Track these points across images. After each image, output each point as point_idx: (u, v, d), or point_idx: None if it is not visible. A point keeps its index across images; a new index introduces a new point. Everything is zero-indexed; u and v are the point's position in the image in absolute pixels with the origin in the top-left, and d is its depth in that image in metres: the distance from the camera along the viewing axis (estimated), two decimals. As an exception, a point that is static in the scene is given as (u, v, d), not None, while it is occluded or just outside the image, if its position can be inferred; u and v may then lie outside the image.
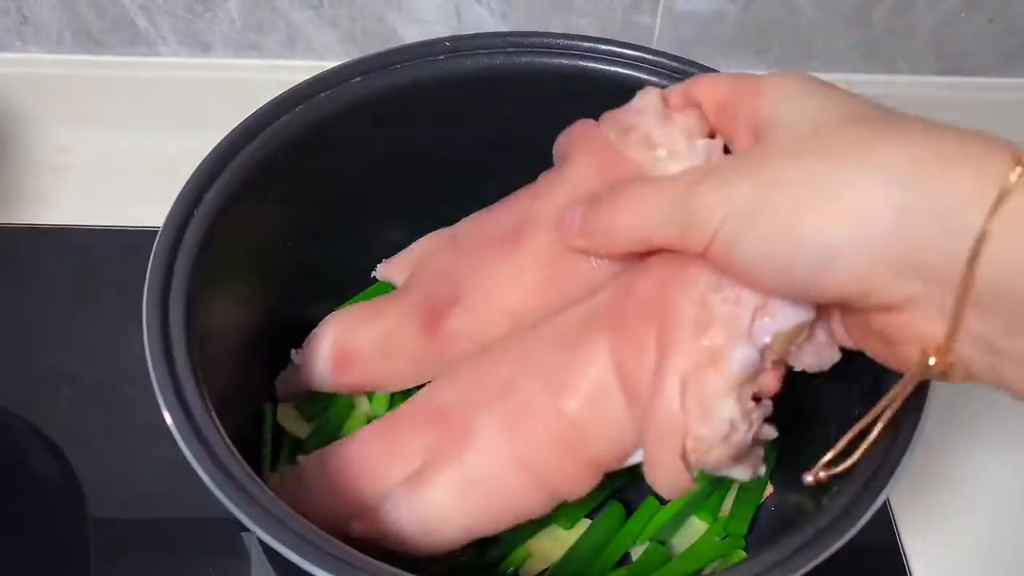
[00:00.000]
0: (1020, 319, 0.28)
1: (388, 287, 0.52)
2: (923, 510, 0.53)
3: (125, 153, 0.66)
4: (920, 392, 0.36)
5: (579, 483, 0.39)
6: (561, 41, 0.47)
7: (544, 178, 0.43)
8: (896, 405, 0.33)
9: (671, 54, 0.47)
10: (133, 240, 0.61)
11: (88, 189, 0.65)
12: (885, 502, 0.50)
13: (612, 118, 0.41)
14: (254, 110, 0.45)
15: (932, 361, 0.30)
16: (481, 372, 0.41)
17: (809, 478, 0.34)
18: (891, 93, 0.67)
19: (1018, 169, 0.27)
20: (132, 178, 0.65)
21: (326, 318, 0.49)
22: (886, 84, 0.67)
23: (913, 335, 0.30)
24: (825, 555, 0.33)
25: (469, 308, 0.43)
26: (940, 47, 0.66)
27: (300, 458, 0.47)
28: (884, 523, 0.52)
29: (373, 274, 0.53)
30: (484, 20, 0.63)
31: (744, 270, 0.31)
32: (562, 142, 0.43)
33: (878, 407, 0.33)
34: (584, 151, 0.41)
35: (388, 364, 0.46)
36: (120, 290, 0.59)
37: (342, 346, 0.47)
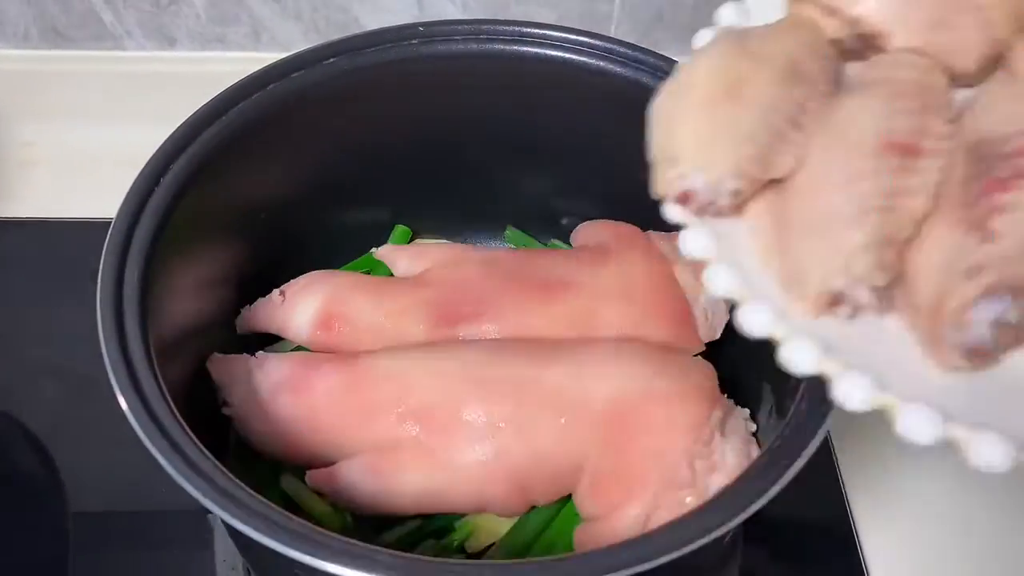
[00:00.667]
0: None
1: (378, 265, 0.54)
2: (873, 483, 0.53)
3: (92, 147, 0.66)
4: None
5: (556, 494, 0.42)
6: (532, 30, 0.49)
7: (588, 253, 0.49)
8: None
9: (619, 39, 0.48)
10: (101, 232, 0.60)
11: (55, 183, 0.65)
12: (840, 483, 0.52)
13: (666, 238, 0.48)
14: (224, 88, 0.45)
15: None
16: (480, 373, 0.43)
17: None
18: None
19: None
20: (99, 171, 0.65)
21: (314, 273, 0.50)
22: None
23: None
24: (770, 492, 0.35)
25: (490, 322, 0.47)
26: None
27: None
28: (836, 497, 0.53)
29: (373, 250, 0.54)
30: (446, 9, 0.64)
31: None
32: (601, 232, 0.50)
33: None
34: (637, 252, 0.48)
35: (373, 338, 0.47)
36: (88, 281, 0.58)
37: (331, 310, 0.48)
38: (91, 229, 0.60)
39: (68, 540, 0.50)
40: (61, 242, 0.62)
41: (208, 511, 0.48)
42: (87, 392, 0.55)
